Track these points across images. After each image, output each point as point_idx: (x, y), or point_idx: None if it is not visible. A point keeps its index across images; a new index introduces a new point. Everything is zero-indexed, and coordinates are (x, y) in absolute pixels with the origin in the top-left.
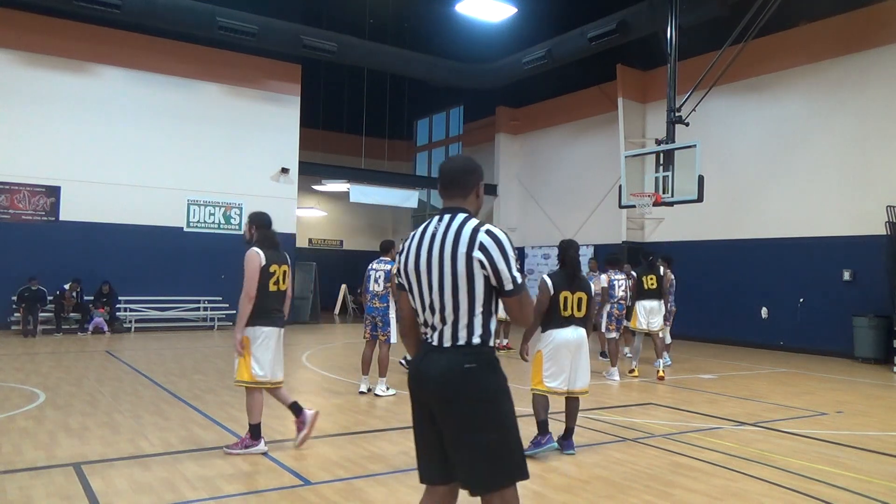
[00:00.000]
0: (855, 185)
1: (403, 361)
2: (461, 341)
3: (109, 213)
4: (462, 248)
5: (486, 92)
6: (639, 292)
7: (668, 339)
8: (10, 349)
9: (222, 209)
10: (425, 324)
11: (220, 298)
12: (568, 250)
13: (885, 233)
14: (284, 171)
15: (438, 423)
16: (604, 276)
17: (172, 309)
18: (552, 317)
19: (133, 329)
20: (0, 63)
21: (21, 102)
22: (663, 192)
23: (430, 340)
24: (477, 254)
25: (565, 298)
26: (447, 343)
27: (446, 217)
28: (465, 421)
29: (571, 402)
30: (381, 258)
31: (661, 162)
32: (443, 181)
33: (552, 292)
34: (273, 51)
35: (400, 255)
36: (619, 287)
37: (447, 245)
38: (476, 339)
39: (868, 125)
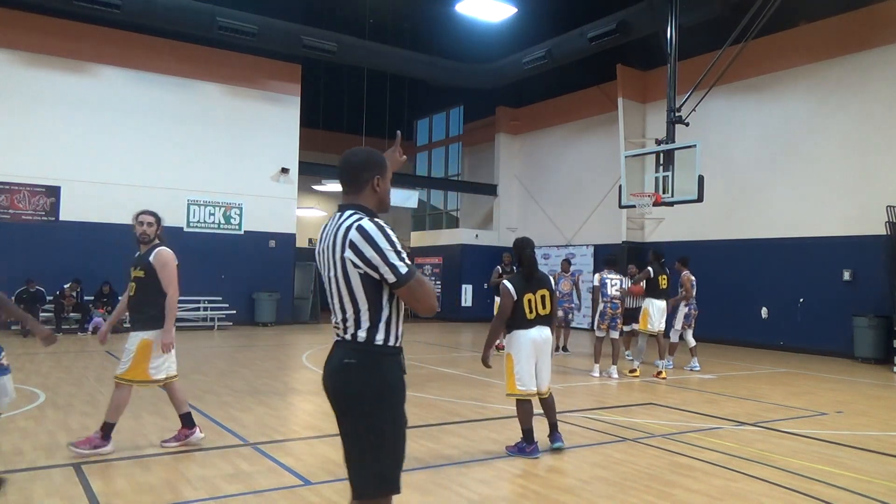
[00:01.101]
0: (855, 185)
1: None
2: (348, 336)
3: (109, 213)
4: (338, 251)
5: (486, 92)
6: (651, 292)
7: (693, 343)
8: (10, 349)
9: (222, 209)
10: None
11: (220, 298)
12: (525, 249)
13: (885, 233)
14: (284, 171)
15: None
16: (596, 276)
17: None
18: (517, 320)
19: None
20: (0, 63)
21: (21, 102)
22: (663, 192)
23: (336, 335)
24: (348, 253)
25: (529, 301)
26: (339, 337)
27: (337, 215)
28: (342, 419)
29: (545, 401)
30: None
31: (661, 162)
32: (339, 179)
33: (515, 297)
34: (273, 51)
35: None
36: (613, 286)
37: (330, 245)
38: (361, 335)
39: (868, 125)
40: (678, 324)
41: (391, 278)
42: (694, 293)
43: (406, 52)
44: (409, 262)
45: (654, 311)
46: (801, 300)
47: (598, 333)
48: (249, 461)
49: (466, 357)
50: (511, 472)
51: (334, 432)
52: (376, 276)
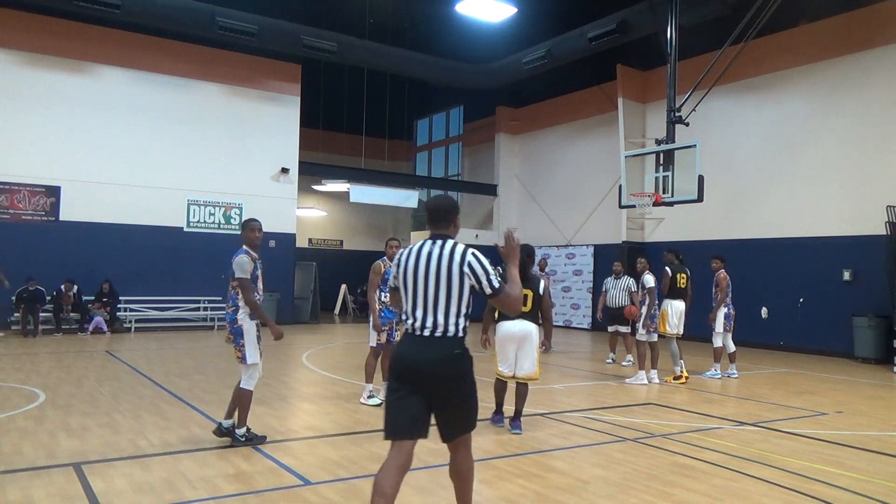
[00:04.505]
0: (855, 185)
1: None
2: (450, 333)
3: (109, 213)
4: (455, 266)
5: (486, 92)
6: (672, 292)
7: (732, 348)
8: (10, 349)
9: (222, 209)
10: (415, 319)
11: (220, 298)
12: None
13: (885, 233)
14: (284, 171)
15: (430, 395)
16: (650, 277)
17: (172, 309)
18: (501, 313)
19: (133, 329)
20: (0, 63)
21: (21, 102)
22: (663, 192)
23: (417, 332)
24: (466, 269)
25: None
26: (438, 334)
27: (439, 241)
28: (455, 390)
29: (519, 387)
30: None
31: (661, 162)
32: (432, 216)
33: None
34: (273, 51)
35: (398, 266)
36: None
37: (443, 262)
38: (460, 333)
39: (868, 125)
40: (719, 327)
41: (489, 291)
42: (729, 293)
43: (406, 52)
44: (499, 279)
45: (673, 313)
46: (801, 300)
47: (651, 338)
48: (249, 461)
49: None
50: (511, 472)
51: (334, 432)
52: (479, 288)
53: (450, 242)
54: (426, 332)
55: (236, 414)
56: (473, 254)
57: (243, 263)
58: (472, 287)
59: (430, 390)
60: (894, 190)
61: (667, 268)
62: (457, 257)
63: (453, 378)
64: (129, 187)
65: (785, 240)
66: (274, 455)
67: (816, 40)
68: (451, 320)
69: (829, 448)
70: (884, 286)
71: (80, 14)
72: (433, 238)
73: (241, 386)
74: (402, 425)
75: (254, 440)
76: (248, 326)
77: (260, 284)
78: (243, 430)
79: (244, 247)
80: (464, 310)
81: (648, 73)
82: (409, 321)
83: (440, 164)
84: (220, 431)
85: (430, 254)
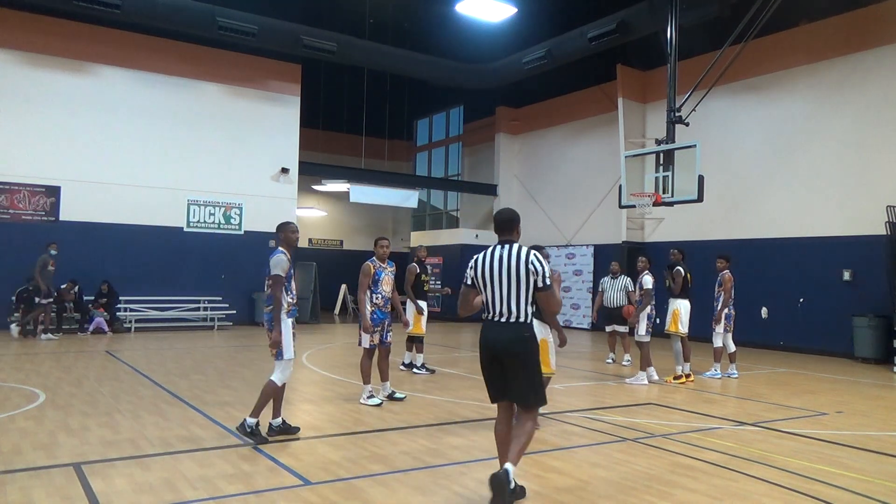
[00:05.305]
0: (855, 185)
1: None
2: (521, 319)
3: (109, 213)
4: (522, 265)
5: (486, 92)
6: (683, 291)
7: (732, 348)
8: (10, 349)
9: (222, 209)
10: (492, 310)
11: (220, 298)
12: None
13: (884, 233)
14: (284, 171)
15: (506, 369)
16: (649, 278)
17: (172, 309)
18: None
19: (133, 329)
20: (0, 63)
21: (21, 102)
22: (663, 192)
23: (495, 319)
24: (531, 266)
25: None
26: (512, 320)
27: (507, 246)
28: (521, 365)
29: None
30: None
31: (661, 162)
32: (500, 225)
33: None
34: (273, 51)
35: (475, 269)
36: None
37: (513, 262)
38: (529, 319)
39: (868, 125)
40: (719, 327)
41: (541, 285)
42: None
43: (406, 52)
44: (550, 280)
45: (685, 313)
46: (801, 300)
47: (647, 338)
48: (249, 461)
49: (467, 357)
50: None
51: (334, 432)
52: (537, 282)
53: (516, 246)
54: (503, 319)
55: (276, 409)
56: (535, 255)
57: (281, 262)
58: (535, 282)
59: (504, 364)
60: (894, 190)
61: (679, 267)
62: (523, 257)
63: (521, 355)
64: (129, 187)
65: (785, 240)
66: (274, 455)
67: (816, 40)
68: (522, 309)
69: (829, 448)
70: (884, 286)
71: (80, 14)
72: (501, 244)
73: (270, 378)
74: (496, 391)
75: (256, 437)
76: (285, 326)
77: (294, 284)
78: (254, 420)
79: (280, 248)
80: (530, 299)
81: (648, 73)
82: (489, 312)
83: (440, 164)
84: (273, 431)
85: (501, 256)
